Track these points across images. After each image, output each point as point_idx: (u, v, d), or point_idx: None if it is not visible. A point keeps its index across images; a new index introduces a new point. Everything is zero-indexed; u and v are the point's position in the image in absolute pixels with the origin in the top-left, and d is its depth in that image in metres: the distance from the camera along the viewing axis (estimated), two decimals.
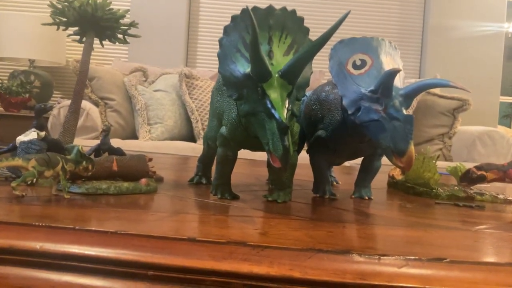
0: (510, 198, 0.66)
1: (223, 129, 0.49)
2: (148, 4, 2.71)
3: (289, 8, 0.44)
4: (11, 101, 2.38)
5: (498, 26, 2.99)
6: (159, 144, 2.20)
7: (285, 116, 0.37)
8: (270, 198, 0.52)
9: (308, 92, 0.64)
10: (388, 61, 0.50)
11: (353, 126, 0.50)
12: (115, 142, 2.20)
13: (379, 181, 0.78)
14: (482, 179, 0.67)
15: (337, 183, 0.75)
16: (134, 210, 0.43)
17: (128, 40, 0.72)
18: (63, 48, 2.60)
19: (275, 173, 0.53)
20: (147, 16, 2.70)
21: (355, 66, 0.50)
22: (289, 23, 0.44)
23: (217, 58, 0.43)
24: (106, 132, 0.63)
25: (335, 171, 0.84)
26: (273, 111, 0.37)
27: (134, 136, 2.49)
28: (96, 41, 0.72)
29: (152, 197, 0.51)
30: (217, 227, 0.37)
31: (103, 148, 0.63)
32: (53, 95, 2.71)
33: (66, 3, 0.65)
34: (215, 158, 0.53)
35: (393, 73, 0.43)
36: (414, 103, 2.37)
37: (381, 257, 0.31)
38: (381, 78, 0.44)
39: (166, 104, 2.44)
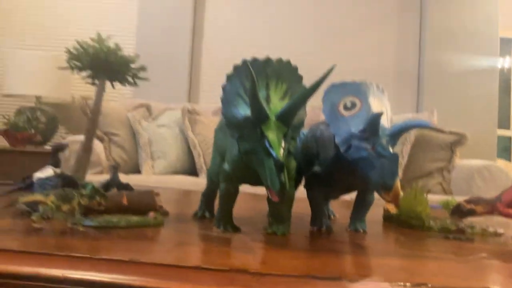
0: (499, 231, 0.69)
1: (226, 166, 0.53)
2: (152, 42, 2.82)
3: (285, 59, 0.50)
4: (17, 137, 2.44)
5: (493, 60, 3.08)
6: (162, 178, 2.23)
7: (281, 154, 0.42)
8: (269, 230, 0.55)
9: (305, 130, 0.69)
10: (376, 103, 0.55)
11: (346, 162, 0.54)
12: (120, 177, 2.24)
13: (375, 214, 0.81)
14: (472, 213, 0.70)
15: (334, 216, 0.78)
16: (143, 241, 0.47)
17: (137, 82, 0.77)
18: (69, 85, 2.68)
19: (274, 207, 0.57)
20: (151, 53, 2.80)
21: (346, 108, 0.55)
22: (285, 72, 0.49)
23: (218, 94, 0.49)
24: (115, 169, 0.67)
25: (334, 205, 0.88)
26: (270, 150, 0.42)
27: (137, 170, 2.53)
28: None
29: (159, 230, 0.54)
30: (220, 256, 0.40)
31: (113, 184, 0.67)
32: (58, 131, 2.77)
33: (81, 49, 0.71)
34: (218, 192, 0.57)
35: (378, 115, 0.47)
36: (413, 137, 2.43)
37: (370, 283, 0.34)
38: (368, 120, 0.49)
39: (169, 139, 2.50)
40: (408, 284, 0.35)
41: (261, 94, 0.47)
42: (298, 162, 0.67)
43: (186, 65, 2.84)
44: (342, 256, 0.46)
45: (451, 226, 0.69)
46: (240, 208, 0.83)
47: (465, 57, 3.04)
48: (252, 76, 0.41)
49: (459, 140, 2.44)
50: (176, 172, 2.40)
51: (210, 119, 2.51)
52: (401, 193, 0.47)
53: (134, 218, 0.54)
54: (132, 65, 0.75)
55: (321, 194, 0.64)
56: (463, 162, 2.47)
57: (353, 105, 0.55)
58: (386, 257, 0.47)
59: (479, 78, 3.03)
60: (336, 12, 3.03)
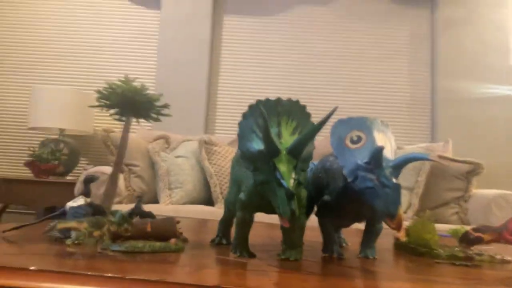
0: (507, 258, 0.71)
1: (242, 195, 0.58)
2: (170, 76, 2.94)
3: (294, 99, 0.56)
4: (41, 168, 2.54)
5: (507, 89, 3.09)
6: (179, 208, 2.28)
7: (291, 184, 0.46)
8: (283, 256, 0.59)
9: (315, 161, 0.73)
10: (380, 137, 0.59)
11: (353, 192, 0.58)
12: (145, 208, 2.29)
13: (386, 243, 0.84)
14: (479, 241, 0.72)
15: (346, 244, 0.81)
16: (166, 264, 0.51)
17: (160, 118, 0.84)
18: (91, 118, 2.80)
19: (287, 234, 0.61)
20: (170, 86, 2.92)
21: (352, 141, 0.60)
22: (294, 110, 0.55)
23: (233, 126, 0.54)
24: (140, 199, 0.73)
25: (346, 234, 0.91)
26: (281, 181, 0.47)
27: (155, 200, 2.59)
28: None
29: (180, 255, 0.59)
30: (237, 278, 0.45)
31: (136, 212, 0.72)
32: (80, 162, 2.86)
33: (110, 90, 0.78)
34: (235, 220, 0.61)
35: (381, 149, 0.52)
36: (428, 167, 2.43)
37: None
38: (372, 153, 0.53)
39: (186, 169, 2.56)
40: None
41: (273, 131, 0.52)
42: (309, 191, 0.71)
43: (203, 99, 2.93)
44: (351, 280, 0.49)
45: (459, 253, 0.71)
46: (256, 236, 0.87)
47: (478, 85, 3.06)
48: (264, 115, 0.47)
49: (474, 169, 2.43)
50: (193, 201, 2.44)
51: (226, 149, 2.57)
52: (404, 221, 0.50)
53: (157, 244, 0.59)
54: (156, 103, 0.81)
55: (331, 222, 0.68)
56: (480, 191, 2.45)
57: (359, 139, 0.60)
58: (393, 281, 0.50)
59: (493, 107, 3.04)
60: (348, 47, 3.12)
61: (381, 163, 0.53)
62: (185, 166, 2.56)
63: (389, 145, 0.60)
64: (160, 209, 2.25)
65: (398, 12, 3.20)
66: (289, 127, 0.54)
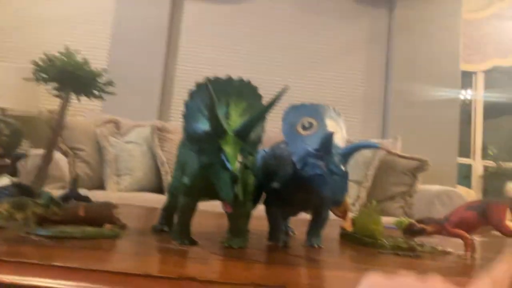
0: (448, 249, 0.73)
1: (185, 179, 0.55)
2: (125, 58, 2.82)
3: (246, 78, 0.52)
4: None
5: (455, 92, 3.25)
6: (127, 195, 2.19)
7: (237, 167, 0.43)
8: (226, 244, 0.56)
9: (266, 148, 0.71)
10: (332, 125, 0.58)
11: (302, 179, 0.57)
12: (82, 192, 2.19)
13: (333, 233, 0.83)
14: (422, 232, 0.73)
15: (293, 233, 0.80)
16: (97, 251, 0.47)
17: (103, 96, 0.78)
18: (36, 98, 2.63)
19: (232, 221, 0.58)
20: (123, 69, 2.79)
21: (303, 128, 0.58)
22: (245, 91, 0.52)
23: None
24: (75, 181, 0.67)
25: (294, 223, 0.90)
26: (226, 163, 0.44)
27: (101, 187, 2.48)
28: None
29: (115, 242, 0.54)
30: (172, 266, 0.41)
31: (71, 196, 0.67)
32: (22, 144, 2.68)
33: (48, 62, 0.72)
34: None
35: (330, 135, 0.50)
36: (377, 162, 2.50)
37: None
38: (322, 139, 0.52)
39: (136, 156, 2.47)
40: None
41: (221, 111, 0.49)
42: (258, 179, 0.69)
43: (158, 83, 2.84)
44: (294, 268, 0.47)
45: (403, 244, 0.72)
46: (202, 224, 0.84)
47: (429, 87, 3.19)
48: (210, 93, 0.43)
49: (421, 166, 2.54)
50: (142, 189, 2.36)
51: (180, 137, 2.50)
52: (350, 209, 0.49)
53: (90, 229, 0.54)
54: (100, 80, 0.75)
55: (279, 210, 0.66)
56: (425, 187, 2.56)
57: (310, 125, 0.58)
58: (337, 270, 0.49)
59: (441, 108, 3.19)
60: (307, 41, 3.14)
61: (330, 149, 0.52)
62: (135, 153, 2.47)
63: (340, 133, 0.59)
64: (106, 196, 2.16)
65: (358, 11, 3.26)
66: (239, 108, 0.51)
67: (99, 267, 0.38)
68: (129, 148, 2.49)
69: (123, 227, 0.68)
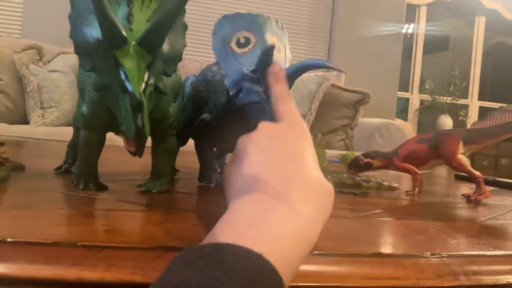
0: (394, 184, 0.68)
1: (84, 108, 0.42)
2: None
3: None
4: None
5: (398, 27, 3.23)
6: (54, 130, 1.99)
7: (140, 90, 0.32)
8: (144, 188, 0.46)
9: (196, 73, 0.59)
10: (274, 41, 0.47)
11: (236, 108, 0.46)
12: (1, 127, 1.95)
13: None
14: (368, 167, 0.68)
15: None
16: None
17: None
18: None
19: (154, 160, 0.47)
20: None
21: (239, 44, 0.46)
22: None
23: None
24: None
25: None
26: (126, 83, 0.32)
27: (25, 121, 2.24)
28: None
29: None
30: (55, 224, 0.31)
31: None
32: None
33: None
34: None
35: (270, 49, 0.39)
36: (321, 95, 2.46)
37: None
38: (259, 57, 0.41)
39: (63, 87, 2.22)
40: None
41: (121, 11, 0.35)
42: (188, 109, 0.58)
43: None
44: (218, 217, 0.38)
45: (348, 181, 0.66)
46: (119, 162, 0.73)
47: (374, 21, 3.14)
48: None
49: (363, 99, 2.54)
50: (71, 123, 2.16)
51: None
52: None
53: None
54: None
55: (210, 145, 0.56)
56: (365, 120, 2.59)
57: (247, 41, 0.47)
58: None
59: (385, 43, 3.17)
60: None
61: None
62: (61, 83, 2.22)
63: (284, 52, 0.48)
64: (30, 131, 1.95)
65: None
66: (147, 9, 0.37)
67: None
68: (53, 77, 2.23)
69: (19, 168, 0.55)
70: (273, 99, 0.36)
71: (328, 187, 0.29)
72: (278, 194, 0.25)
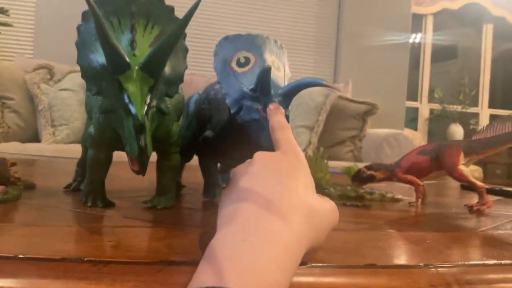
0: (397, 196, 0.69)
1: (91, 129, 0.44)
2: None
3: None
4: None
5: (405, 36, 3.24)
6: (64, 147, 2.03)
7: (143, 112, 0.34)
8: (149, 204, 0.48)
9: (200, 91, 0.61)
10: (273, 60, 0.49)
11: (239, 126, 0.48)
12: (14, 146, 2.00)
13: None
14: (371, 179, 0.69)
15: None
16: None
17: None
18: None
19: (159, 177, 0.49)
20: (55, 9, 2.50)
21: (239, 64, 0.48)
22: (156, 12, 0.40)
23: None
24: None
25: None
26: (130, 106, 0.34)
27: (36, 139, 2.29)
28: None
29: (6, 207, 0.44)
30: (63, 241, 0.32)
31: None
32: None
33: None
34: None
35: (267, 70, 0.41)
36: (328, 106, 2.47)
37: None
38: (257, 77, 0.42)
39: (73, 105, 2.27)
40: None
41: (125, 37, 0.38)
42: (192, 126, 0.60)
43: None
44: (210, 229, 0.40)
45: (350, 193, 0.67)
46: (126, 180, 0.75)
47: (380, 31, 3.16)
48: (93, 9, 0.31)
49: (370, 109, 2.54)
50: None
51: None
52: None
53: None
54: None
55: (214, 161, 0.58)
56: (373, 131, 2.59)
57: (247, 61, 0.49)
58: None
59: (391, 53, 3.18)
60: None
61: (268, 89, 0.43)
62: (71, 101, 2.27)
63: (283, 70, 0.50)
64: (41, 149, 1.99)
65: None
66: (149, 35, 0.39)
67: None
68: (64, 96, 2.28)
69: (30, 187, 0.57)
70: (271, 129, 0.38)
71: (319, 208, 0.29)
72: (259, 218, 0.25)
